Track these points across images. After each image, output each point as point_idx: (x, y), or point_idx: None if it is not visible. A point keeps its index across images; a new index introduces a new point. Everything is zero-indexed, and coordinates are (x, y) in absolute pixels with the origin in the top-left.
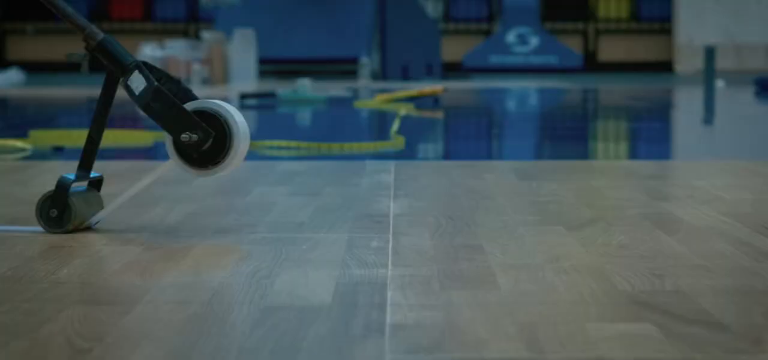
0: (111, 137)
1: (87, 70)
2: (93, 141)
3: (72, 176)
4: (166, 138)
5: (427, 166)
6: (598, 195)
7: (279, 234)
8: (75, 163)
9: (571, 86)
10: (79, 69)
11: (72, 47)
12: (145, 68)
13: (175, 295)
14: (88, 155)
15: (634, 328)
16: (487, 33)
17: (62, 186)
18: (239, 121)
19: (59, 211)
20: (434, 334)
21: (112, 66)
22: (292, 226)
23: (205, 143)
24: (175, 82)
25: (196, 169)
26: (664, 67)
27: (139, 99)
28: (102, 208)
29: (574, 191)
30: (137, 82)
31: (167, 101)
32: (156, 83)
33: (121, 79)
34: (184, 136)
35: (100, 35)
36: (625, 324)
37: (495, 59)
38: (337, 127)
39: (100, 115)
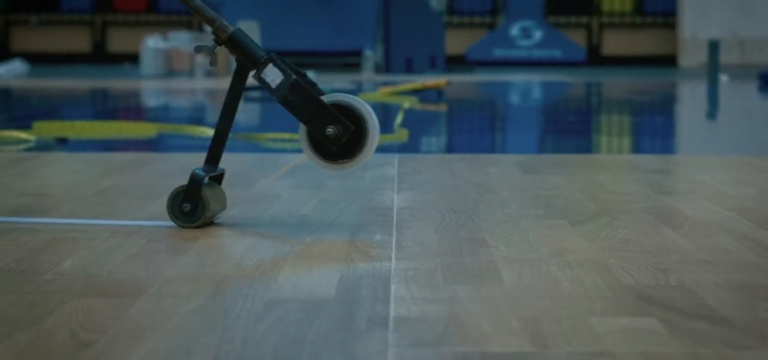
0: (114, 129)
1: (215, 63)
2: (221, 134)
3: (203, 171)
4: (301, 131)
5: (431, 160)
6: (602, 189)
7: (283, 227)
8: (78, 155)
9: (574, 80)
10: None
11: (75, 39)
12: (280, 61)
13: (179, 287)
14: (216, 149)
15: (638, 323)
16: (491, 26)
17: (196, 181)
18: (372, 114)
19: (193, 206)
20: (438, 327)
21: (243, 59)
22: (296, 219)
23: (345, 137)
24: (301, 75)
25: (331, 162)
26: (668, 61)
27: (277, 91)
28: (226, 203)
29: (578, 185)
30: (273, 74)
31: (306, 94)
32: (294, 76)
33: (254, 72)
34: (330, 130)
35: (231, 29)
36: (629, 318)
37: (499, 52)
38: None
39: (230, 108)
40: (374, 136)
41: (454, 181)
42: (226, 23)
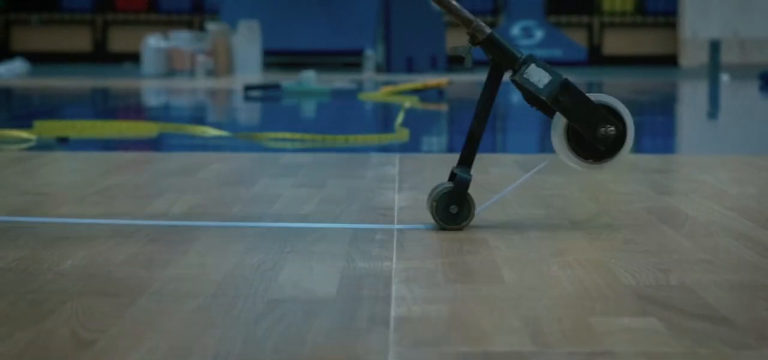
0: (115, 129)
1: (470, 64)
2: (476, 136)
3: (469, 175)
4: (557, 131)
5: (432, 159)
6: (603, 189)
7: (284, 226)
8: (78, 155)
9: (575, 80)
10: (462, 62)
11: (76, 38)
12: (541, 61)
13: (179, 287)
14: (470, 151)
15: (639, 323)
16: (492, 26)
17: (463, 183)
18: (629, 113)
19: (459, 207)
20: (439, 327)
21: (502, 60)
22: (297, 218)
23: (617, 137)
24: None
25: (588, 162)
26: (669, 61)
27: (545, 92)
28: (474, 204)
29: (579, 185)
30: (538, 75)
31: (577, 94)
32: (564, 76)
33: (514, 73)
34: (603, 130)
35: (488, 30)
36: (630, 318)
37: None
38: (341, 120)
39: (485, 110)
40: (632, 134)
41: None
42: (484, 25)
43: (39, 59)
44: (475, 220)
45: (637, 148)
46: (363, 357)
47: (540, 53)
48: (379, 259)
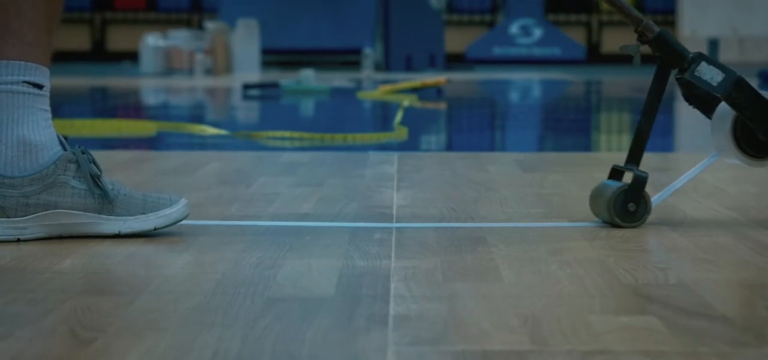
0: (114, 127)
1: (639, 63)
2: (643, 134)
3: (644, 172)
4: (723, 129)
5: (431, 158)
6: None
7: (282, 225)
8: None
9: (574, 78)
10: (631, 61)
11: (75, 37)
12: (712, 59)
13: (178, 285)
14: (639, 149)
15: (638, 321)
16: (491, 24)
17: (641, 181)
18: None
19: (637, 205)
20: (438, 326)
21: (671, 58)
22: (296, 216)
23: None
24: None
25: (759, 160)
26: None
27: (720, 89)
28: (650, 201)
29: (578, 183)
30: (711, 72)
31: (751, 92)
32: (738, 74)
33: (683, 71)
34: None
35: (657, 28)
36: (629, 317)
37: (498, 50)
38: (340, 118)
39: (652, 109)
40: None
41: (453, 179)
42: (653, 24)
43: None
44: (474, 220)
45: None
46: (362, 355)
47: (539, 52)
48: (378, 258)
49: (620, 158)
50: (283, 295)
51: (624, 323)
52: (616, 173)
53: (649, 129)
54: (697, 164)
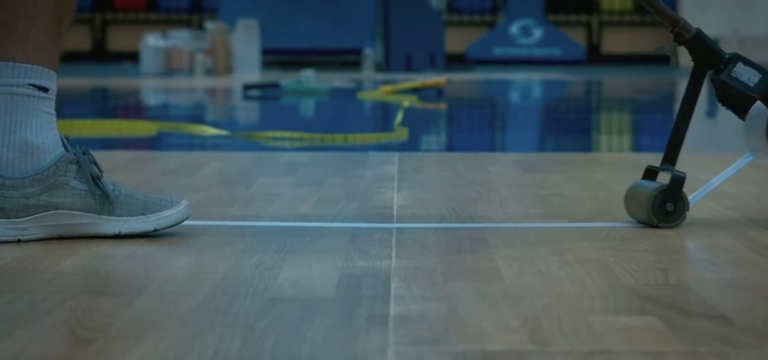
0: (114, 127)
1: (676, 63)
2: (680, 134)
3: (682, 173)
4: (757, 130)
5: (431, 158)
6: (602, 187)
7: (282, 225)
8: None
9: (574, 78)
10: (668, 61)
11: (75, 37)
12: (748, 59)
13: (178, 286)
14: (675, 148)
15: (638, 321)
16: (491, 24)
17: (679, 181)
18: None
19: (675, 205)
20: (438, 326)
21: (708, 58)
22: (296, 217)
23: None
24: None
25: None
26: (668, 59)
27: (757, 90)
28: (688, 201)
29: (578, 184)
30: (748, 73)
31: None
32: None
33: (719, 72)
34: None
35: (694, 29)
36: (629, 317)
37: (498, 51)
38: (340, 118)
39: (689, 109)
40: None
41: (454, 179)
42: (689, 24)
43: None
44: (474, 220)
45: (636, 147)
46: (362, 356)
47: (539, 52)
48: (378, 258)
49: (620, 158)
50: (284, 295)
51: (624, 323)
52: (650, 173)
53: (685, 129)
54: (732, 165)
